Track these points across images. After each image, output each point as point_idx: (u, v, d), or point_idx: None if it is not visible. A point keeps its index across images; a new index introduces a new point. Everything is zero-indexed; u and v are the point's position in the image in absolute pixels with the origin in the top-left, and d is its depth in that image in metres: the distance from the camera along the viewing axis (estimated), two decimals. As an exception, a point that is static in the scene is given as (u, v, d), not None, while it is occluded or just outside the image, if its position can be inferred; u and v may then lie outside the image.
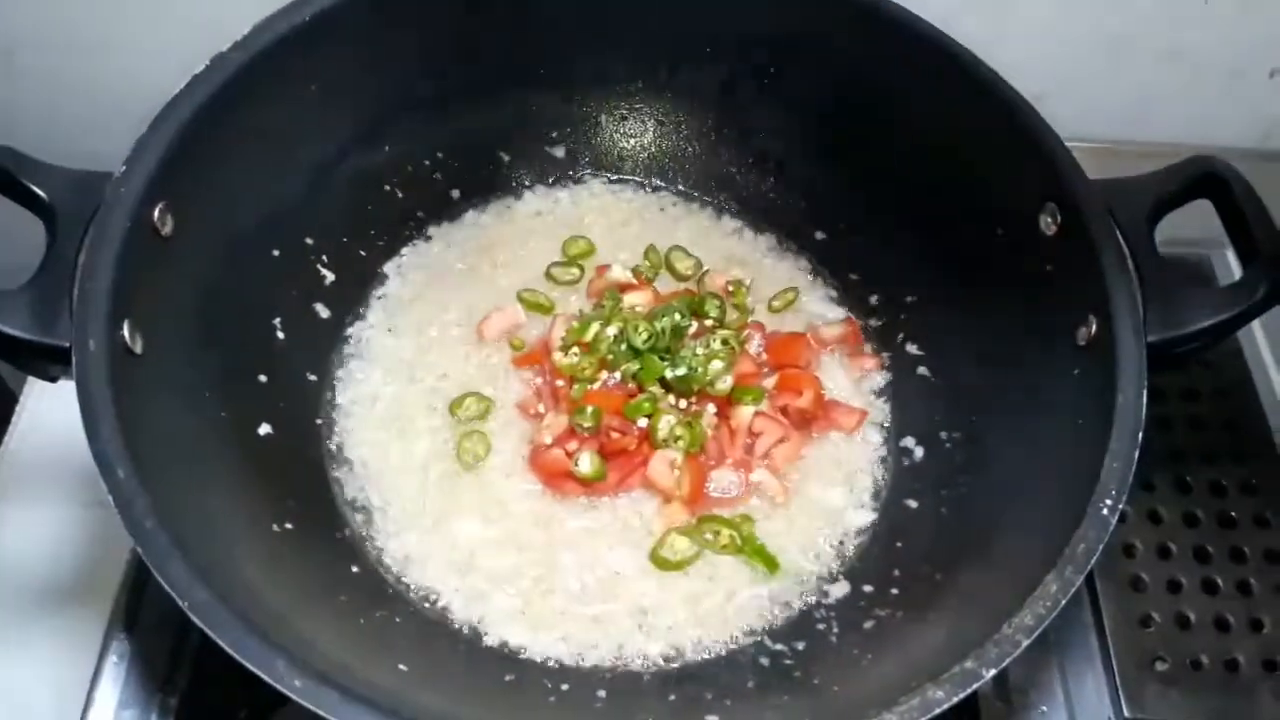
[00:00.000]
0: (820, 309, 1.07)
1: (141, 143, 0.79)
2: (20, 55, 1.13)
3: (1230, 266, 1.18)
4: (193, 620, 0.64)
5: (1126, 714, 0.90)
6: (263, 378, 0.92)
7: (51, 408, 1.05)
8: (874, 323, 1.05)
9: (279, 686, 0.62)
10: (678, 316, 0.98)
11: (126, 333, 0.74)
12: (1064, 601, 0.68)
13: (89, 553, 0.97)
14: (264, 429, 0.89)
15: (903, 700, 0.64)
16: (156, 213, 0.79)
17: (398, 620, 0.85)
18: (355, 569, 0.87)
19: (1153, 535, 1.00)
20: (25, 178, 0.77)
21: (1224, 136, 1.24)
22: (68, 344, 0.72)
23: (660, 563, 0.89)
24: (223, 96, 0.83)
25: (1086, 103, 1.15)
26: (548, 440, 0.93)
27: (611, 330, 0.97)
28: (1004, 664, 0.66)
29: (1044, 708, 0.91)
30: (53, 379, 0.77)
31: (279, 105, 0.90)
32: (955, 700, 0.64)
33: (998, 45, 0.92)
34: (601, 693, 0.82)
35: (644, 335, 0.96)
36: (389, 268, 1.05)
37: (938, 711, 0.64)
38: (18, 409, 1.06)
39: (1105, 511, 0.71)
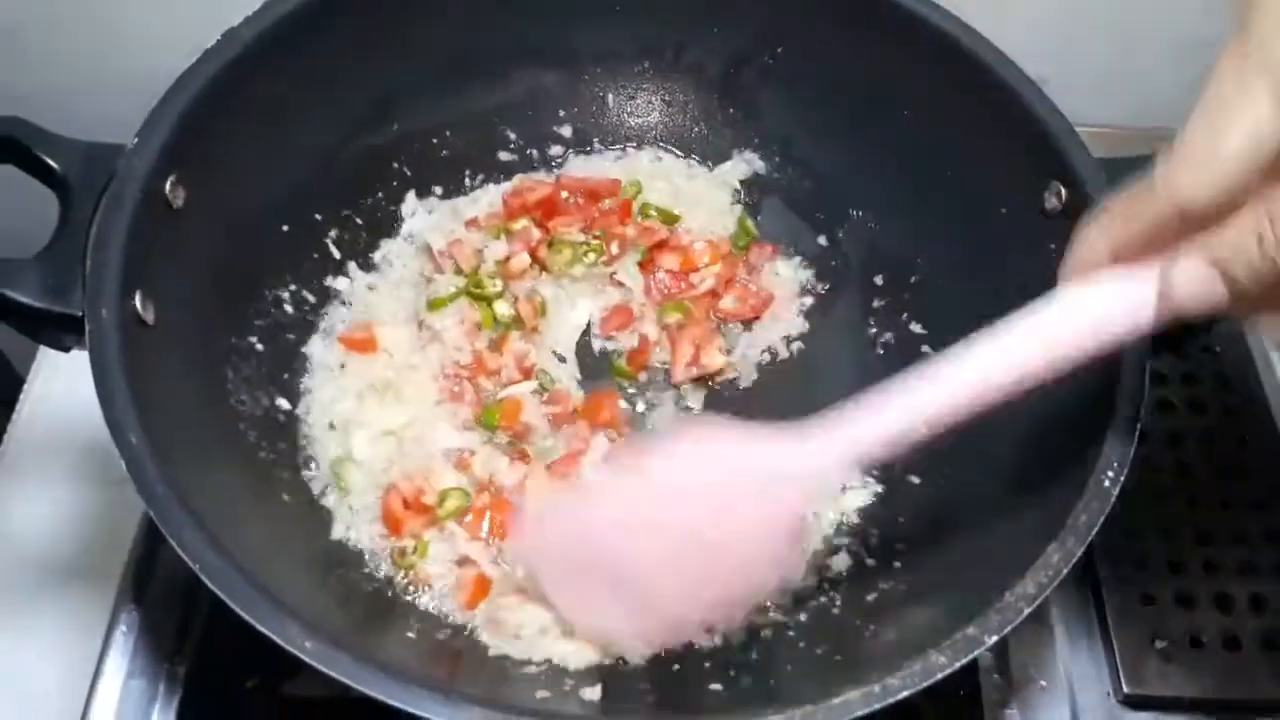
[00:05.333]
0: (825, 288, 1.07)
1: (154, 115, 0.79)
2: (31, 27, 1.13)
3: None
4: (205, 584, 0.64)
5: (1126, 689, 0.91)
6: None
7: (58, 388, 1.06)
8: (878, 302, 1.05)
9: (291, 649, 0.63)
10: None
11: (138, 303, 0.75)
12: (1065, 571, 0.68)
13: (96, 529, 0.98)
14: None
15: (905, 666, 0.64)
16: (168, 185, 0.79)
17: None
18: (362, 542, 0.88)
19: (1155, 516, 1.00)
20: (38, 149, 0.77)
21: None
22: (80, 313, 0.72)
23: None
24: (234, 71, 0.84)
25: (1092, 87, 1.15)
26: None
27: None
28: (1005, 631, 0.66)
29: (1043, 683, 0.92)
30: (66, 348, 0.78)
31: (289, 81, 0.90)
32: (957, 666, 0.65)
33: (1001, 27, 0.92)
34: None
35: None
36: (395, 246, 1.05)
37: (940, 677, 0.64)
38: (24, 390, 1.07)
39: (1107, 483, 0.71)
